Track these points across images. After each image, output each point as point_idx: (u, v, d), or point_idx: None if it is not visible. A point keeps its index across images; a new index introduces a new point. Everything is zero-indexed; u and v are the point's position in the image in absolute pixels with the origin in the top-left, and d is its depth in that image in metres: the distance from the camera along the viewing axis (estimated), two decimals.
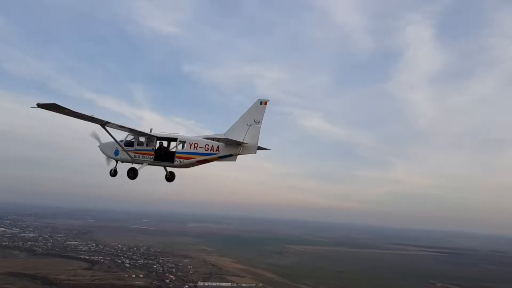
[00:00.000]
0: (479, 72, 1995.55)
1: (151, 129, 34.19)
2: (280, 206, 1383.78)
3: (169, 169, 35.62)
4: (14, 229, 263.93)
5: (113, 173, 35.05)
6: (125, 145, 34.01)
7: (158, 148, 34.01)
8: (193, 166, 33.58)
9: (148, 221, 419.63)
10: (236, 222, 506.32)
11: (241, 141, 31.36)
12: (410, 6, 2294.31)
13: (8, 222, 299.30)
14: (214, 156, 32.46)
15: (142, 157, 33.88)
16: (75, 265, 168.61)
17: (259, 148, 33.40)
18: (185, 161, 33.02)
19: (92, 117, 28.36)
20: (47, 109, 24.72)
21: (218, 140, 32.09)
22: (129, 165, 34.59)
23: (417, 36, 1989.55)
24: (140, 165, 34.09)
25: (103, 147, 35.25)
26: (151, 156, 33.76)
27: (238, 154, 32.19)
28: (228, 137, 31.62)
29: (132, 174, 34.04)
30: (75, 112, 26.46)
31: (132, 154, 33.89)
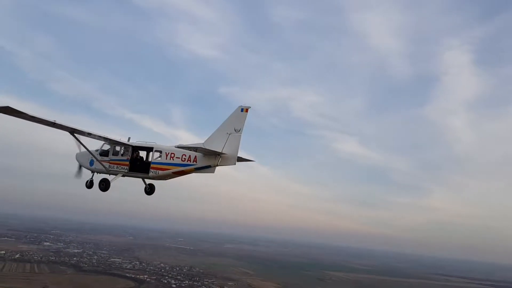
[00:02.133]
0: None
1: (128, 138, 32.15)
2: (314, 230, 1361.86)
3: (148, 181, 33.05)
4: (59, 244, 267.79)
5: (89, 184, 32.65)
6: (101, 154, 31.93)
7: (133, 158, 31.57)
8: (169, 178, 31.29)
9: (183, 240, 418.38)
10: (272, 245, 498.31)
11: (220, 151, 28.86)
12: (448, 31, 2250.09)
13: (52, 236, 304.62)
14: (191, 167, 30.17)
15: (117, 167, 31.70)
16: (123, 284, 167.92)
17: (240, 159, 31.18)
18: (161, 172, 30.78)
19: (54, 123, 26.10)
20: (3, 113, 22.62)
21: (195, 149, 29.54)
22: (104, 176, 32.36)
23: (455, 61, 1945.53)
24: (114, 176, 31.85)
25: (79, 157, 33.21)
26: (126, 167, 31.43)
27: (217, 166, 29.71)
28: (207, 146, 28.97)
29: (104, 185, 31.57)
30: (33, 117, 24.07)
31: (107, 165, 31.63)
